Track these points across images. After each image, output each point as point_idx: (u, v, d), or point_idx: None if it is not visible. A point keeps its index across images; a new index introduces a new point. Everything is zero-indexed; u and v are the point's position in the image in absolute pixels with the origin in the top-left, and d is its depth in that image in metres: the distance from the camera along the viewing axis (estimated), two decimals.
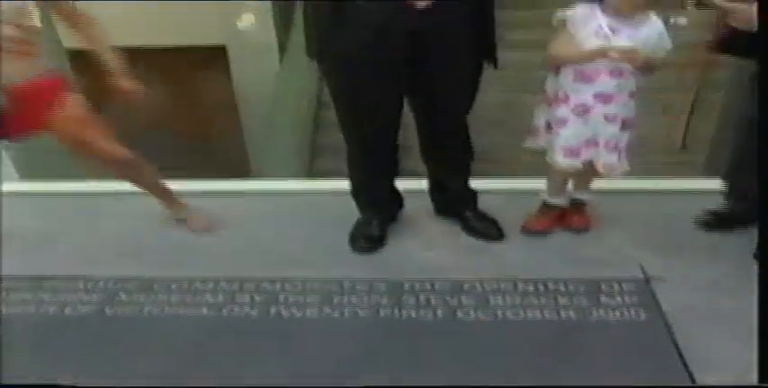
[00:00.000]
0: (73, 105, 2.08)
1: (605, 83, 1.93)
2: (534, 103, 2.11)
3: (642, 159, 2.32)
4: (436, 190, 2.31)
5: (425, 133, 2.10)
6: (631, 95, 1.96)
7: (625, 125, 1.98)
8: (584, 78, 1.94)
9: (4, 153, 3.05)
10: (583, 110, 1.95)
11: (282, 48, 5.46)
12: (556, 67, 1.99)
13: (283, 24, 5.42)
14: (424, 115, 2.04)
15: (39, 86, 2.00)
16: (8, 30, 1.86)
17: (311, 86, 5.23)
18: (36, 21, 1.95)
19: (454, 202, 2.29)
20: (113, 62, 2.05)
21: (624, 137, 2.00)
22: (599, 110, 1.95)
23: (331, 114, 2.15)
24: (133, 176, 2.25)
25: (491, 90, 2.70)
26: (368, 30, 1.74)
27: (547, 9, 2.11)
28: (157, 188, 2.34)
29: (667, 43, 1.91)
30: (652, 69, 1.94)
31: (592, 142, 1.99)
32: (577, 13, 1.91)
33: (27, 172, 3.34)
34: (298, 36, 4.76)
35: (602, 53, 1.86)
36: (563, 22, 1.92)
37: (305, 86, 5.17)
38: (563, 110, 1.98)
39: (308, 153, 5.30)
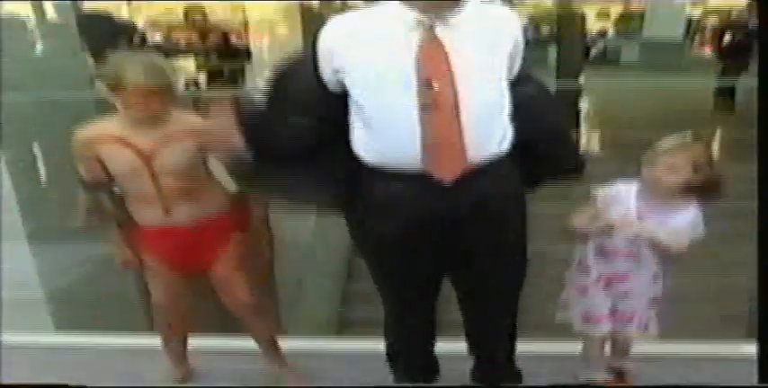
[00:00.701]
0: (234, 247, 2.18)
1: (621, 263, 1.93)
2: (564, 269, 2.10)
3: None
4: (477, 368, 2.23)
5: (469, 314, 2.05)
6: (655, 277, 1.94)
7: (651, 302, 1.96)
8: (604, 254, 1.95)
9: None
10: (603, 284, 1.96)
11: None
12: (584, 235, 2.00)
13: None
14: (468, 298, 2.00)
15: (204, 227, 2.11)
16: (172, 182, 2.01)
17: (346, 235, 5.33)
18: (205, 170, 2.10)
19: (494, 378, 2.21)
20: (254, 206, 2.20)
21: (649, 313, 1.98)
22: (617, 286, 1.95)
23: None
24: (255, 324, 2.28)
25: None
26: (396, 218, 1.74)
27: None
28: (272, 341, 2.36)
29: (699, 233, 1.88)
30: (673, 256, 1.91)
31: (611, 313, 1.99)
32: (611, 192, 1.93)
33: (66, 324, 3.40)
34: None
35: (610, 225, 1.87)
36: (594, 197, 1.95)
37: (340, 235, 5.26)
38: (585, 279, 1.99)
39: (338, 300, 5.30)
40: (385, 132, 1.70)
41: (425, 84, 1.64)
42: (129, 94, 1.88)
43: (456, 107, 1.66)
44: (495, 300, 1.98)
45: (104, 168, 2.02)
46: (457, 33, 1.67)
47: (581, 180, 1.97)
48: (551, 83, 6.45)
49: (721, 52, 7.28)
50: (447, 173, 1.69)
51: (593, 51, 14.10)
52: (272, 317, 2.36)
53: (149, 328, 2.46)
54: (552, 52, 8.38)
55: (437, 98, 1.65)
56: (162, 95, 1.91)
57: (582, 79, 6.48)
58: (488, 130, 1.73)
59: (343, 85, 1.73)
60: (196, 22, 6.07)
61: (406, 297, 1.99)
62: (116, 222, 2.13)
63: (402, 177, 1.71)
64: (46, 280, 3.73)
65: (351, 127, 1.78)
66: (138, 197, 2.05)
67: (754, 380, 1.82)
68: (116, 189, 2.09)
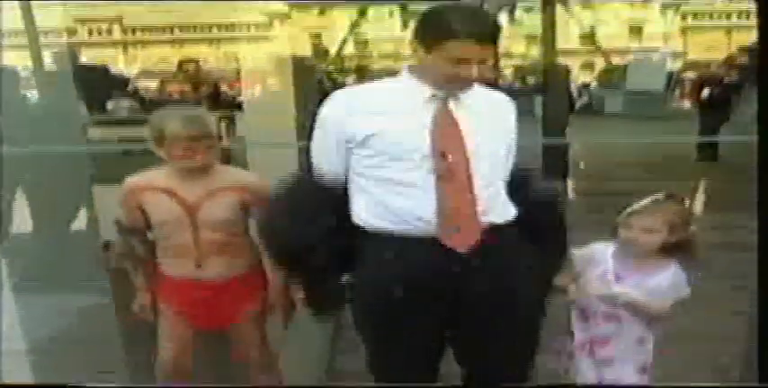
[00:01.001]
0: (256, 306, 2.21)
1: (600, 327, 1.90)
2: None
3: None
4: None
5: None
6: (640, 341, 1.90)
7: (640, 370, 1.91)
8: (583, 318, 1.93)
9: None
10: (586, 350, 1.92)
11: None
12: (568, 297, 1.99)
13: None
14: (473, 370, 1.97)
15: (231, 285, 2.13)
16: (211, 235, 2.07)
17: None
18: (243, 228, 2.15)
19: None
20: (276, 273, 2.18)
21: (637, 379, 1.92)
22: (599, 352, 1.91)
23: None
24: (260, 379, 2.28)
25: None
26: (404, 281, 1.74)
27: None
28: None
29: (683, 293, 1.88)
30: (656, 318, 1.89)
31: (599, 379, 1.93)
32: (586, 253, 1.94)
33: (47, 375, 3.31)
34: None
35: (585, 292, 1.87)
36: (573, 257, 1.96)
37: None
38: (570, 344, 1.97)
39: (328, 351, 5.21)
40: (402, 200, 1.74)
41: (441, 155, 1.71)
42: (170, 145, 1.99)
43: (469, 178, 1.73)
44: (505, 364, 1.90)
45: (144, 216, 2.10)
46: (467, 109, 1.76)
47: (572, 231, 1.99)
48: (538, 133, 6.56)
49: (701, 105, 7.45)
50: (461, 242, 1.73)
51: (578, 102, 14.38)
52: (277, 372, 2.35)
53: (132, 379, 2.42)
54: (538, 103, 8.57)
55: (452, 169, 1.72)
56: (202, 144, 2.00)
57: (568, 129, 6.61)
58: (497, 199, 1.80)
59: (346, 157, 1.79)
60: (189, 72, 6.15)
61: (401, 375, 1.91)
62: (142, 267, 2.18)
63: (410, 241, 1.74)
64: (28, 331, 3.67)
65: (352, 197, 1.82)
66: (174, 247, 2.10)
67: None
68: (149, 235, 2.16)
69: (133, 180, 2.13)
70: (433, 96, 1.74)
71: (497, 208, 1.79)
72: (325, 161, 1.84)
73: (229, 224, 2.09)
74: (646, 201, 1.90)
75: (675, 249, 1.87)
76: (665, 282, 1.86)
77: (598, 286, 1.87)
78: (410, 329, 1.81)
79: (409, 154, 1.71)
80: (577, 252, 1.96)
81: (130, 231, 2.16)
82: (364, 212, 1.79)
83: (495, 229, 1.77)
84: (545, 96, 7.36)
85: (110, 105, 9.07)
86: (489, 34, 1.65)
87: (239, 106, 5.83)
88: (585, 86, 16.44)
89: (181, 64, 6.37)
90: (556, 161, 6.02)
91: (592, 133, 8.07)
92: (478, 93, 1.81)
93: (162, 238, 2.14)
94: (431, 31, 1.68)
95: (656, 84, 13.55)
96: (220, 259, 2.10)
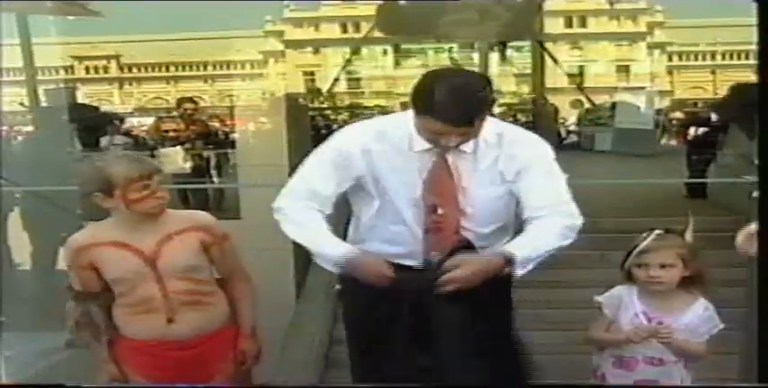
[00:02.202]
0: (234, 364, 2.08)
1: (644, 371, 1.86)
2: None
3: None
4: None
5: None
6: (683, 381, 1.87)
7: None
8: (623, 365, 1.88)
9: None
10: None
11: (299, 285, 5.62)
12: (598, 348, 1.96)
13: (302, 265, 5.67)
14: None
15: (207, 342, 1.99)
16: (178, 284, 1.92)
17: (326, 324, 5.28)
18: (209, 274, 2.03)
19: None
20: (248, 322, 2.09)
21: None
22: None
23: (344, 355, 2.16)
24: None
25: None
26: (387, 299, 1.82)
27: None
28: None
29: (717, 325, 1.86)
30: (697, 356, 1.87)
31: None
32: (613, 297, 1.92)
33: None
34: (314, 279, 4.95)
35: (628, 339, 1.83)
36: (600, 305, 1.93)
37: (320, 323, 5.21)
38: None
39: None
40: (386, 246, 1.84)
41: (431, 209, 1.77)
42: (125, 191, 1.83)
43: (457, 230, 1.78)
44: None
45: (99, 277, 1.93)
46: (472, 158, 1.80)
47: (563, 266, 2.00)
48: None
49: (688, 144, 7.54)
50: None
51: (567, 139, 14.53)
52: None
53: None
54: None
55: (440, 221, 1.77)
56: (155, 182, 1.87)
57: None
58: (500, 238, 1.86)
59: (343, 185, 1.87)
60: (188, 111, 6.19)
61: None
62: (105, 336, 2.00)
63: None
64: (11, 371, 3.61)
65: (354, 218, 1.93)
66: (139, 303, 1.92)
67: None
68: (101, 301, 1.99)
69: (78, 238, 1.96)
70: (430, 148, 1.78)
71: (497, 241, 1.86)
72: (322, 184, 1.86)
73: (194, 269, 1.95)
74: (650, 239, 1.90)
75: (692, 283, 1.87)
76: (696, 318, 1.84)
77: (633, 330, 1.84)
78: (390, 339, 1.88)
79: (404, 204, 1.79)
80: (603, 299, 1.93)
81: (86, 296, 1.95)
82: (352, 234, 1.93)
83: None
84: (535, 133, 7.43)
85: (103, 142, 9.14)
86: (465, 119, 1.70)
87: (233, 144, 5.89)
88: (575, 123, 16.66)
89: (179, 103, 6.42)
90: None
91: (581, 170, 8.14)
92: (490, 135, 1.81)
93: (123, 296, 1.94)
94: (417, 100, 1.74)
95: (644, 123, 13.71)
96: (194, 312, 1.94)
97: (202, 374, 1.99)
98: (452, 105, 1.67)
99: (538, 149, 1.90)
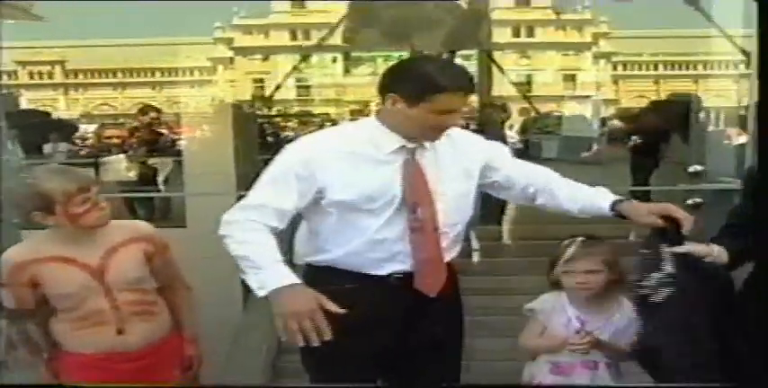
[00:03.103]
0: (184, 371, 2.08)
1: (581, 376, 1.92)
2: None
3: None
4: None
5: None
6: (616, 376, 1.94)
7: None
8: (561, 372, 1.95)
9: None
10: None
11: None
12: (531, 355, 2.02)
13: None
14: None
15: (157, 351, 1.98)
16: (127, 296, 1.89)
17: (273, 333, 5.24)
18: (152, 284, 2.00)
19: None
20: (191, 328, 2.10)
21: None
22: None
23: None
24: None
25: None
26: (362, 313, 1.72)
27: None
28: None
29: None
30: (626, 356, 1.94)
31: None
32: (544, 302, 1.99)
33: None
34: None
35: (562, 345, 1.90)
36: (532, 312, 1.99)
37: (267, 332, 5.18)
38: None
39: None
40: (373, 253, 1.79)
41: (412, 209, 1.77)
42: (66, 206, 1.78)
43: (436, 228, 1.79)
44: None
45: (36, 294, 1.87)
46: (434, 156, 1.82)
47: (496, 273, 2.04)
48: None
49: (631, 152, 7.73)
50: (431, 288, 1.80)
51: (514, 147, 14.78)
52: None
53: None
54: None
55: (422, 220, 1.77)
56: (94, 193, 1.83)
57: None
58: (459, 244, 1.90)
59: (313, 203, 1.79)
60: (151, 120, 6.05)
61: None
62: (45, 353, 1.94)
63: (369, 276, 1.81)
64: None
65: (309, 233, 1.88)
66: (87, 317, 1.88)
67: None
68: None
69: (15, 253, 1.89)
70: (402, 147, 1.78)
71: (457, 251, 1.90)
72: (278, 199, 1.77)
73: (140, 280, 1.94)
74: (575, 247, 1.98)
75: (616, 285, 1.96)
76: (626, 319, 1.92)
77: (566, 335, 1.91)
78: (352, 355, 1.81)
79: (385, 206, 1.76)
80: (534, 306, 1.99)
81: (22, 313, 1.89)
82: (307, 245, 1.90)
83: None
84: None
85: (46, 148, 8.89)
86: (471, 81, 1.80)
87: (179, 152, 5.80)
88: (522, 131, 16.96)
89: (144, 111, 6.26)
90: (491, 205, 6.14)
91: None
92: (447, 138, 1.84)
93: (68, 311, 1.89)
94: (417, 86, 1.72)
95: (590, 131, 14.06)
96: (143, 322, 1.93)
97: (153, 381, 1.99)
98: (455, 72, 1.75)
99: (487, 141, 1.98)
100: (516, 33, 42.67)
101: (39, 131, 9.12)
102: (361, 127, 1.86)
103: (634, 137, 7.59)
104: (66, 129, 10.89)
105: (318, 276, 1.83)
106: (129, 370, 1.93)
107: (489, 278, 4.47)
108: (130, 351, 1.92)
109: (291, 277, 1.66)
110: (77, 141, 10.37)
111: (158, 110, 6.50)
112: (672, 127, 6.90)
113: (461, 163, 1.86)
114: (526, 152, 14.79)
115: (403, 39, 9.98)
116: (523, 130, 14.95)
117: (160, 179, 5.84)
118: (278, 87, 19.05)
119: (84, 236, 1.87)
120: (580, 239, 2.00)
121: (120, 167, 5.65)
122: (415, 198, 1.76)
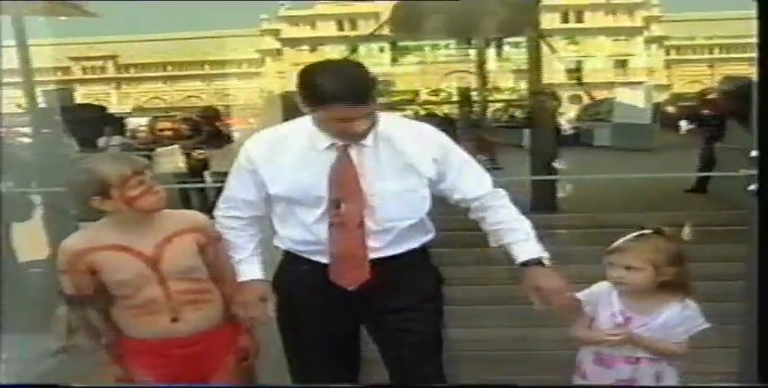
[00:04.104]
0: (234, 358, 2.09)
1: (621, 370, 1.86)
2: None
3: None
4: None
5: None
6: (658, 378, 1.87)
7: None
8: (603, 363, 1.89)
9: None
10: None
11: None
12: (579, 345, 1.97)
13: None
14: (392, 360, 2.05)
15: (209, 338, 2.00)
16: (180, 285, 1.94)
17: None
18: (206, 273, 2.04)
19: None
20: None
21: None
22: None
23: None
24: None
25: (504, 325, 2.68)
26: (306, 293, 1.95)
27: None
28: None
29: (698, 324, 1.84)
30: (674, 355, 1.87)
31: None
32: (593, 294, 1.91)
33: None
34: None
35: (599, 341, 1.85)
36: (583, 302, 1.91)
37: None
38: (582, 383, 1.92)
39: None
40: (299, 241, 1.93)
41: (334, 205, 1.82)
42: (123, 189, 1.82)
43: (361, 225, 1.83)
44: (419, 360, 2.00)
45: (94, 280, 1.92)
46: (370, 154, 1.84)
47: (566, 262, 1.98)
48: (526, 167, 6.59)
49: (700, 139, 7.54)
50: (349, 283, 1.88)
51: (566, 134, 14.55)
52: None
53: None
54: (526, 135, 8.65)
55: (344, 215, 1.82)
56: (148, 177, 1.87)
57: (557, 162, 6.67)
58: (396, 239, 1.90)
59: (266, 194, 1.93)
60: (210, 117, 6.18)
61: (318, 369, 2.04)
62: (105, 338, 1.98)
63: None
64: (15, 372, 3.61)
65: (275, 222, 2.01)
66: (143, 305, 1.92)
67: None
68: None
69: (73, 242, 1.93)
70: (333, 144, 1.83)
71: (395, 246, 1.90)
72: (243, 194, 1.97)
73: (194, 270, 1.96)
74: (629, 237, 1.86)
75: (671, 287, 1.83)
76: (673, 318, 1.82)
77: (610, 329, 1.84)
78: (319, 330, 1.98)
79: (307, 202, 1.86)
80: (583, 296, 1.90)
81: (82, 299, 1.93)
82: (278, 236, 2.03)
83: (391, 258, 1.90)
84: (532, 129, 7.44)
85: (101, 142, 9.14)
86: (359, 96, 1.71)
87: (230, 140, 5.88)
88: (574, 119, 16.65)
89: (206, 111, 6.43)
90: (545, 193, 6.05)
91: (581, 165, 8.13)
92: (392, 131, 1.86)
93: (126, 299, 1.93)
94: (307, 94, 1.76)
95: (642, 118, 13.72)
96: (195, 311, 1.96)
97: (206, 368, 2.02)
98: (345, 83, 1.71)
99: (438, 137, 1.95)
100: (565, 19, 41.88)
101: (93, 125, 9.38)
102: (302, 125, 1.90)
103: (683, 123, 7.40)
104: (119, 123, 11.17)
105: (284, 258, 2.02)
106: (183, 356, 1.96)
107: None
108: (183, 338, 1.96)
109: (249, 274, 2.01)
110: (130, 134, 10.63)
111: (218, 111, 6.64)
112: (732, 112, 6.68)
113: (403, 160, 1.86)
114: (578, 139, 14.59)
115: (452, 28, 9.89)
116: (576, 118, 14.71)
117: (210, 171, 5.95)
118: None
119: (140, 225, 1.90)
120: (641, 231, 1.86)
121: (173, 158, 5.76)
122: (340, 194, 1.81)
